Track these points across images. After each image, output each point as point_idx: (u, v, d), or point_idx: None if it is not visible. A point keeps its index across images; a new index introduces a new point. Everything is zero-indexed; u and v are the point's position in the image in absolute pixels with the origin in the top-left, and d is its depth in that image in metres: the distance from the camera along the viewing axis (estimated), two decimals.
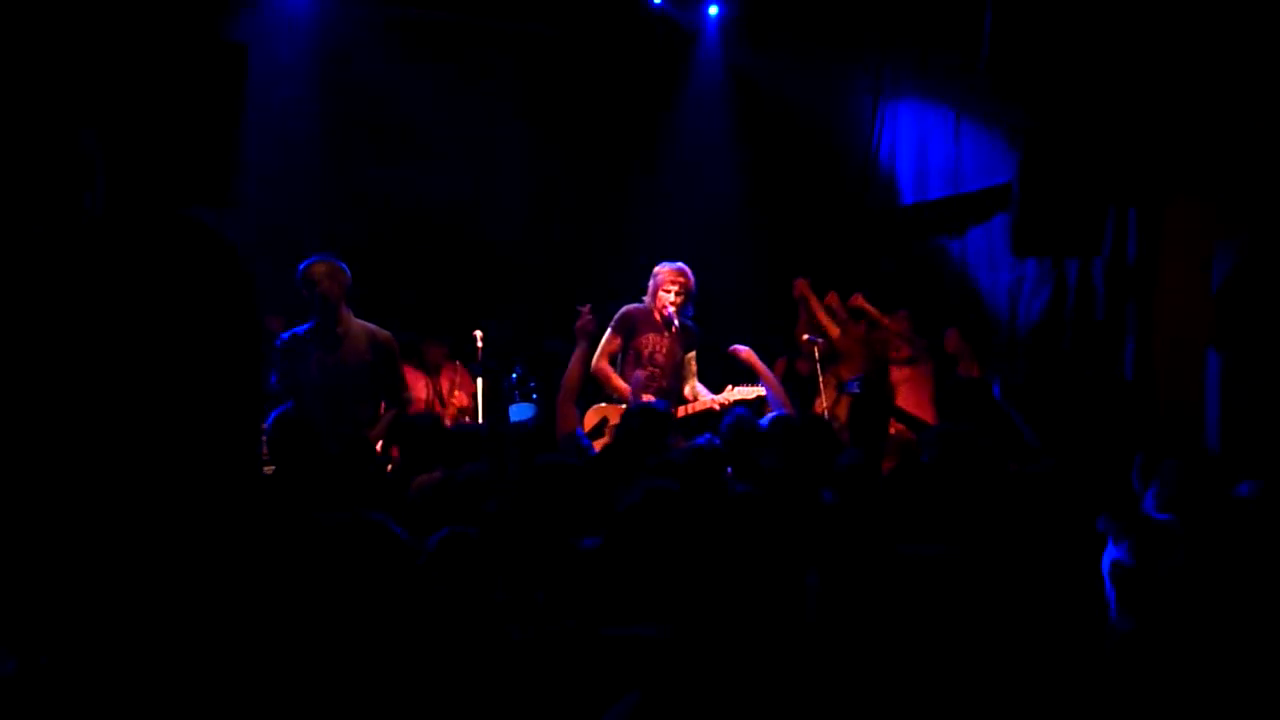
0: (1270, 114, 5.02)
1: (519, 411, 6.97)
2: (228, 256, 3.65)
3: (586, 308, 5.01)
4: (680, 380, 5.68)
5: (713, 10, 8.38)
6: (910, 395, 6.72)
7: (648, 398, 5.51)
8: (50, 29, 4.93)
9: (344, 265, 5.01)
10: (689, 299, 5.59)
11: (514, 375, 7.17)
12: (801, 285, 7.12)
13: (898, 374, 6.89)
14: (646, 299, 5.65)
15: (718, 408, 5.54)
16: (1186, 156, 5.42)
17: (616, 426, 4.96)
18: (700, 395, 5.68)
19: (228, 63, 6.20)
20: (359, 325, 5.00)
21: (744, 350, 5.54)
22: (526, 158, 8.40)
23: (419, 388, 6.73)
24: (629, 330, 5.61)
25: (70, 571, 3.05)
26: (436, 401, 6.70)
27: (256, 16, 7.28)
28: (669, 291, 5.54)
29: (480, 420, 6.50)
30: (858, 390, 6.51)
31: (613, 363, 5.62)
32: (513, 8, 7.88)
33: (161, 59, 5.89)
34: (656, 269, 5.63)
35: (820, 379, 6.46)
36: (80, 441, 3.25)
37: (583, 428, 5.56)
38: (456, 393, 6.81)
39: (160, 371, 3.41)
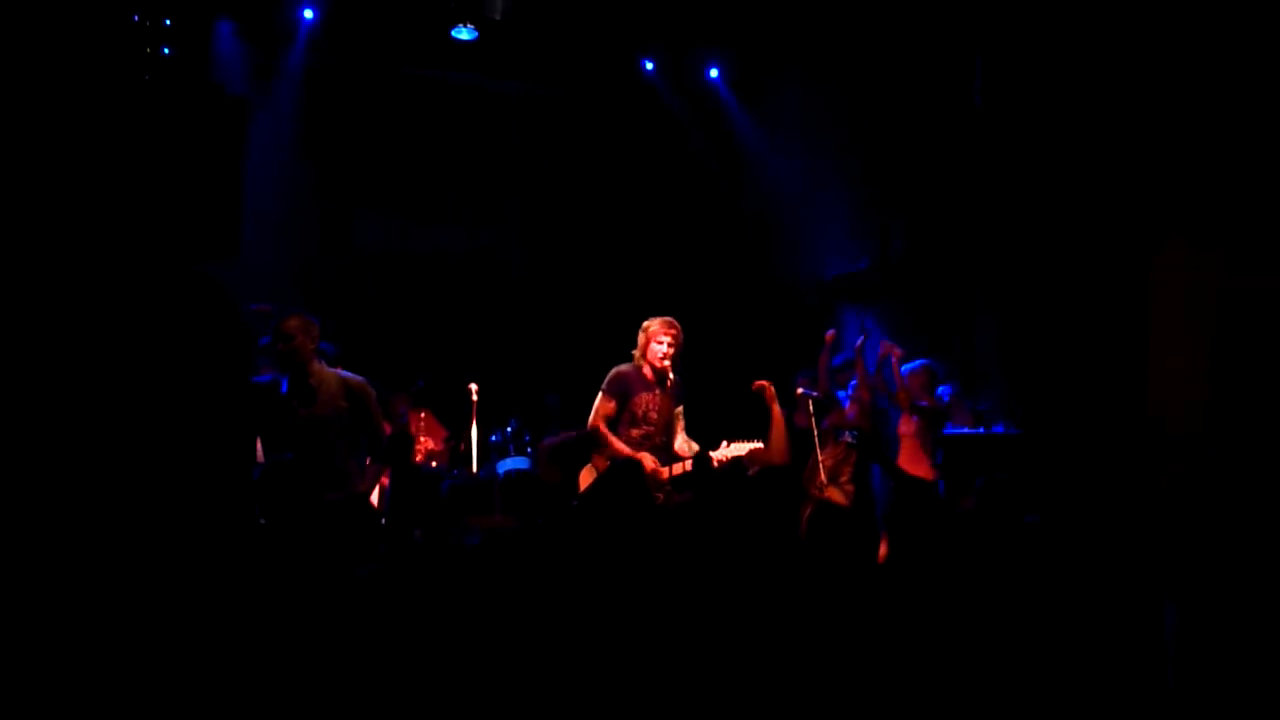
0: (1261, 160, 5.08)
1: (513, 464, 6.95)
2: (229, 307, 3.71)
3: None
4: (672, 435, 5.68)
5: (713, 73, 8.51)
6: (911, 451, 6.67)
7: (644, 455, 5.50)
8: (56, 84, 5.02)
9: (315, 318, 4.98)
10: (679, 350, 5.59)
11: (509, 429, 7.17)
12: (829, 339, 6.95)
13: (904, 428, 6.82)
14: (635, 353, 5.64)
15: (714, 464, 5.52)
16: (1176, 203, 5.46)
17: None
18: (695, 451, 5.67)
19: (230, 118, 6.30)
20: (331, 374, 4.95)
21: (770, 388, 5.59)
22: (529, 214, 8.49)
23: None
24: (623, 392, 5.58)
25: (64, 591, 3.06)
26: None
27: (262, 72, 7.42)
28: (661, 343, 5.53)
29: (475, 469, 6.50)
30: (853, 441, 6.47)
31: (609, 425, 5.60)
32: (515, 69, 8.01)
33: (165, 114, 5.99)
34: (646, 322, 5.62)
35: (815, 433, 6.38)
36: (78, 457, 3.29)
37: (578, 487, 5.55)
38: (423, 437, 6.81)
39: (156, 405, 3.45)
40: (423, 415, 7.12)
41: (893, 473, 5.80)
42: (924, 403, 6.46)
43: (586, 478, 5.61)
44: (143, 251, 5.59)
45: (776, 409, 5.64)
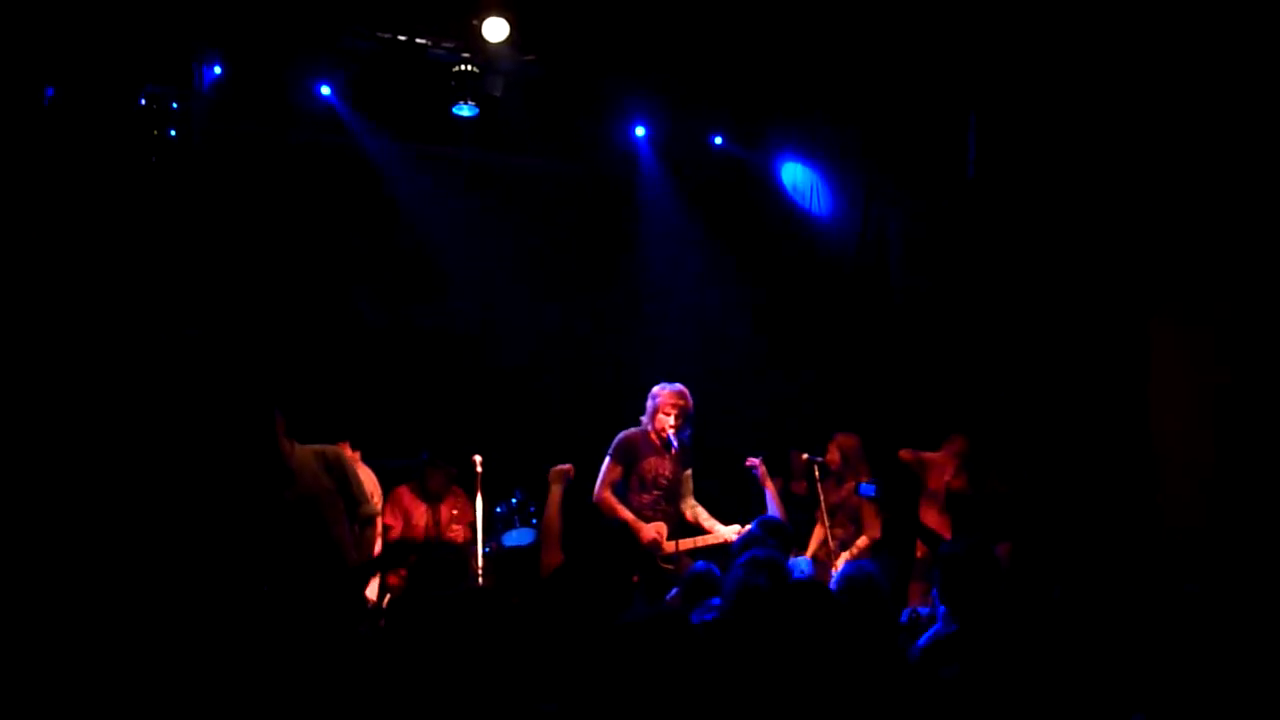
0: (1255, 232, 5.15)
1: (518, 537, 6.89)
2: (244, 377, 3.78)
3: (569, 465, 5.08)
4: (680, 499, 5.67)
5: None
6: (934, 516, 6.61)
7: (657, 523, 5.48)
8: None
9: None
10: (687, 421, 5.61)
11: (514, 500, 7.12)
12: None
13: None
14: (644, 419, 5.66)
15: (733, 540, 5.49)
16: (1171, 274, 5.53)
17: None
18: (702, 520, 5.64)
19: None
20: (304, 450, 4.78)
21: (763, 466, 5.59)
22: (531, 284, 8.54)
23: (418, 515, 6.65)
24: (630, 457, 5.59)
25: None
26: (435, 530, 6.59)
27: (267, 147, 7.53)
28: (669, 415, 5.55)
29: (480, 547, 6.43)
30: (874, 494, 6.35)
31: (615, 490, 5.58)
32: (516, 144, 8.11)
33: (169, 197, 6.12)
34: (655, 390, 5.65)
35: (822, 501, 6.23)
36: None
37: None
38: (455, 526, 6.68)
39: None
40: (459, 494, 6.77)
41: (919, 530, 5.76)
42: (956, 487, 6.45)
43: None
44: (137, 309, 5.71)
45: (770, 485, 5.64)
